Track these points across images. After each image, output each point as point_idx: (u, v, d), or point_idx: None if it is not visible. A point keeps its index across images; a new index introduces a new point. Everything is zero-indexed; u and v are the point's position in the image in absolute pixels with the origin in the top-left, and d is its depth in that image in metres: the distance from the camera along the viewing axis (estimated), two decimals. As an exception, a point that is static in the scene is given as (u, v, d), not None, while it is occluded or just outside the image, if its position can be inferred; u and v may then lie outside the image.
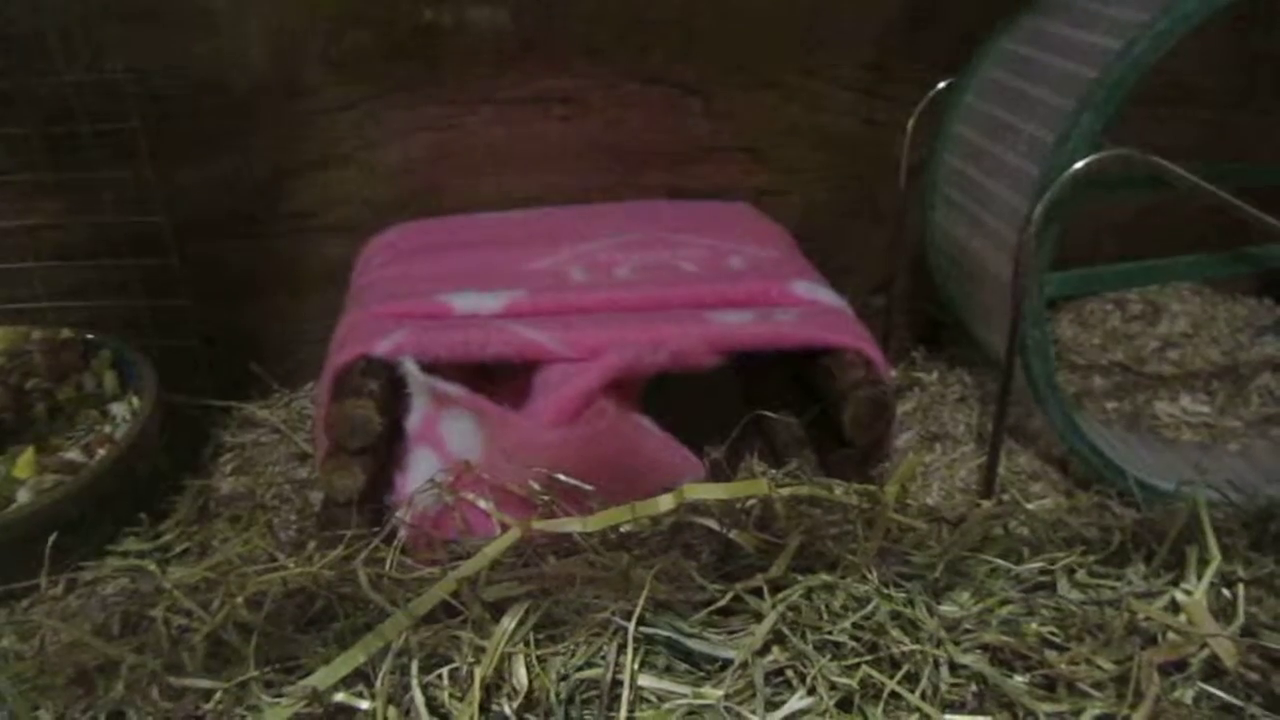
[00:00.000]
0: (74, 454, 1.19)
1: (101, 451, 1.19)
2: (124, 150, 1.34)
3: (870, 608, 0.84)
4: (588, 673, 0.80)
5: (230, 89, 1.39)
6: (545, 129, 1.49)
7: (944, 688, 0.79)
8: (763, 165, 1.56)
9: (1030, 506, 1.04)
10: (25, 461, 1.16)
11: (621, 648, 0.81)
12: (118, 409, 1.27)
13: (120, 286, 1.42)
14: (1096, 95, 1.09)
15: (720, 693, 0.78)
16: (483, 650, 0.81)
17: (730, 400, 1.31)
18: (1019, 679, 0.81)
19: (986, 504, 1.02)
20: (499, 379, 1.15)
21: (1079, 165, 1.05)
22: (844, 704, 0.78)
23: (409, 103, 1.45)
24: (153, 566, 1.03)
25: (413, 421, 1.07)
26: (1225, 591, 0.90)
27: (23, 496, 1.13)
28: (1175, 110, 1.60)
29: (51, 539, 1.01)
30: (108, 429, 1.24)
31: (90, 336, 1.35)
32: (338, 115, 1.43)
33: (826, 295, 1.24)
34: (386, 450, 1.09)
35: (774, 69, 1.49)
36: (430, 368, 1.09)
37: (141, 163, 1.35)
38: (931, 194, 1.44)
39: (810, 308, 1.21)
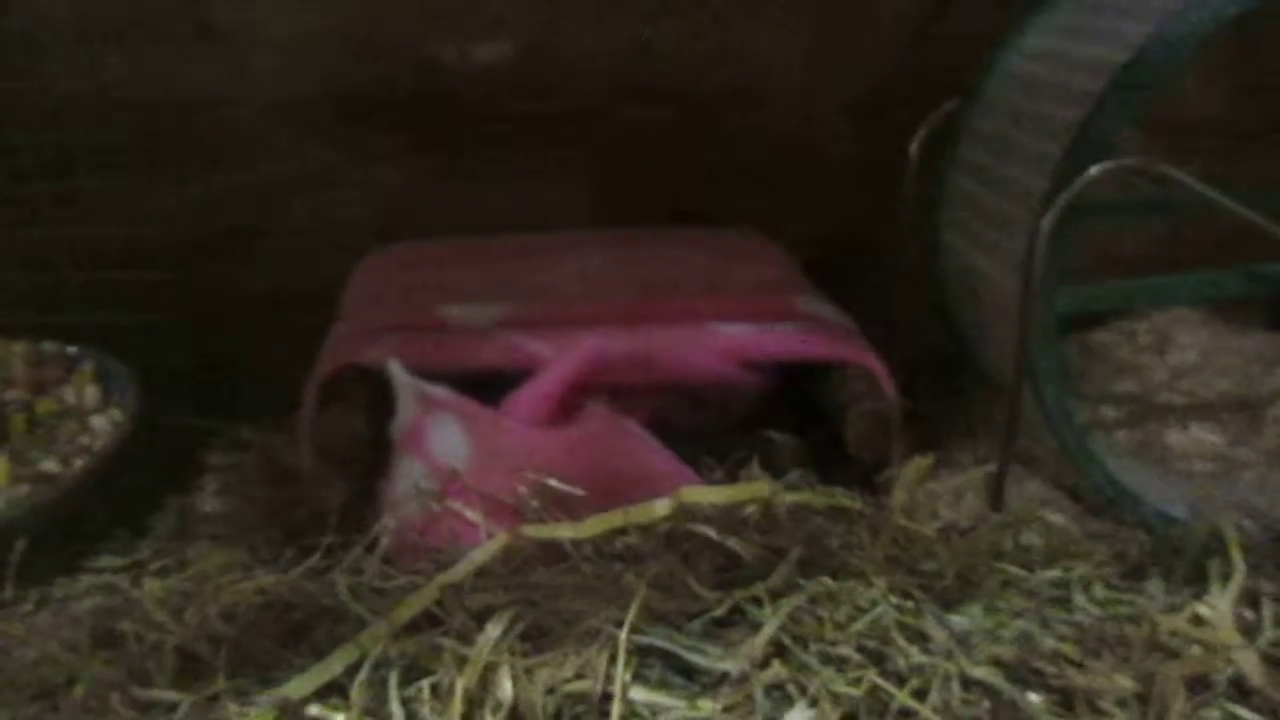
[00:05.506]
0: (51, 465, 1.16)
1: (79, 463, 1.17)
2: (115, 163, 1.33)
3: (876, 617, 0.80)
4: (577, 685, 0.76)
5: (226, 105, 1.38)
6: (542, 153, 1.48)
7: (955, 703, 0.75)
8: (763, 190, 1.54)
9: (1050, 517, 1.01)
10: (-1, 472, 1.13)
11: (613, 659, 0.77)
12: (98, 422, 1.24)
13: (109, 302, 1.40)
14: (1108, 102, 1.07)
15: (718, 706, 0.74)
16: (466, 660, 0.77)
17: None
18: (1034, 696, 0.76)
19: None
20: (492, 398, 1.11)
21: (1093, 171, 1.03)
22: (848, 718, 0.74)
23: (405, 125, 1.44)
24: (126, 584, 1.00)
25: (399, 428, 1.04)
26: (1247, 613, 0.86)
27: (-5, 507, 1.09)
28: (1175, 140, 1.58)
29: (20, 550, 0.97)
30: (86, 441, 1.21)
31: (73, 349, 1.33)
32: (333, 135, 1.42)
33: (830, 311, 1.22)
34: (373, 460, 1.06)
35: (775, 92, 1.48)
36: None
37: (133, 176, 1.33)
38: (938, 216, 1.42)
39: (813, 322, 1.19)
